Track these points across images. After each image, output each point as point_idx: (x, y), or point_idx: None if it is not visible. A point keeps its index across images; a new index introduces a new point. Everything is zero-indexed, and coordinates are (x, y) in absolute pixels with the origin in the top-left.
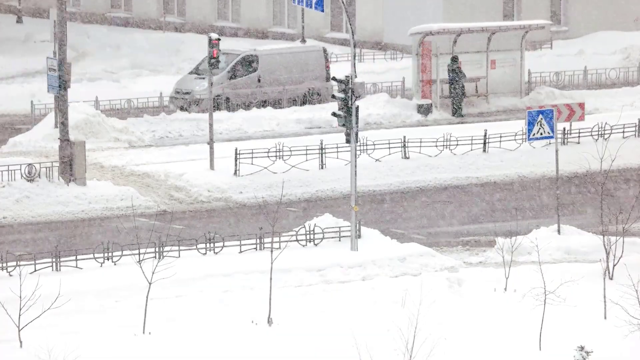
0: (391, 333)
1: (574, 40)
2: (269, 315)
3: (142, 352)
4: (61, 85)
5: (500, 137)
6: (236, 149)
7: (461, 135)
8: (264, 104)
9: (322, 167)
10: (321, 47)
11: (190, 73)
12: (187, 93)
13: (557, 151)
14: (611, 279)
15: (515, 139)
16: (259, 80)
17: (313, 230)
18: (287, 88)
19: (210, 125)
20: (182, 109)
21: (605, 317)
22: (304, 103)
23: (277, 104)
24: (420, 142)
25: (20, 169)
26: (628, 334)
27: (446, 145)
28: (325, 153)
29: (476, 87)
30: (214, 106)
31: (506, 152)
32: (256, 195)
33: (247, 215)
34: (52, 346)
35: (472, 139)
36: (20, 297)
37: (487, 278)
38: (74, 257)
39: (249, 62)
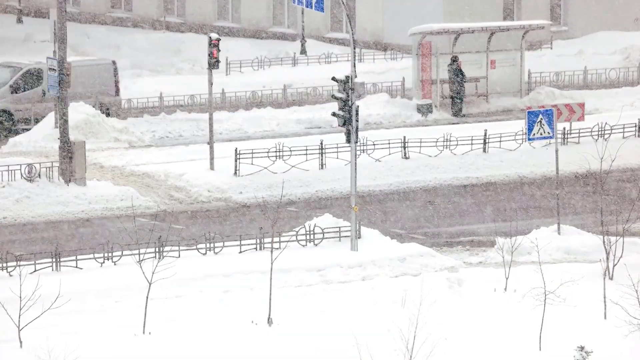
0: (391, 333)
1: (574, 40)
2: (269, 315)
3: (142, 352)
4: (61, 85)
5: (500, 137)
6: (236, 149)
7: (461, 135)
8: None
9: (322, 167)
10: (110, 60)
11: None
12: None
13: (557, 151)
14: (611, 279)
15: (515, 139)
16: (43, 95)
17: (313, 230)
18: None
19: (211, 125)
20: None
21: (605, 317)
22: None
23: None
24: (420, 142)
25: (20, 169)
26: (628, 334)
27: (446, 145)
28: (325, 153)
29: (476, 87)
30: None
31: (506, 152)
32: (256, 195)
33: (247, 216)
34: (52, 346)
35: (472, 139)
36: (20, 297)
37: (487, 278)
38: (74, 257)
39: (33, 76)
